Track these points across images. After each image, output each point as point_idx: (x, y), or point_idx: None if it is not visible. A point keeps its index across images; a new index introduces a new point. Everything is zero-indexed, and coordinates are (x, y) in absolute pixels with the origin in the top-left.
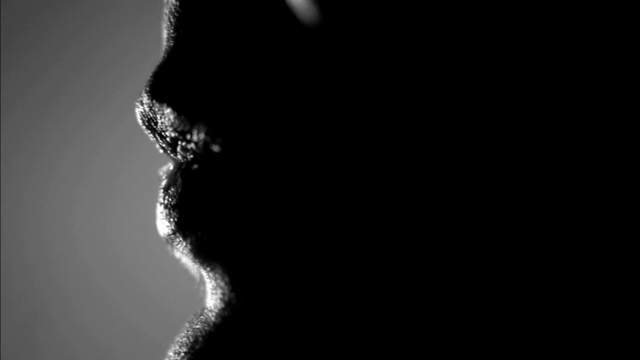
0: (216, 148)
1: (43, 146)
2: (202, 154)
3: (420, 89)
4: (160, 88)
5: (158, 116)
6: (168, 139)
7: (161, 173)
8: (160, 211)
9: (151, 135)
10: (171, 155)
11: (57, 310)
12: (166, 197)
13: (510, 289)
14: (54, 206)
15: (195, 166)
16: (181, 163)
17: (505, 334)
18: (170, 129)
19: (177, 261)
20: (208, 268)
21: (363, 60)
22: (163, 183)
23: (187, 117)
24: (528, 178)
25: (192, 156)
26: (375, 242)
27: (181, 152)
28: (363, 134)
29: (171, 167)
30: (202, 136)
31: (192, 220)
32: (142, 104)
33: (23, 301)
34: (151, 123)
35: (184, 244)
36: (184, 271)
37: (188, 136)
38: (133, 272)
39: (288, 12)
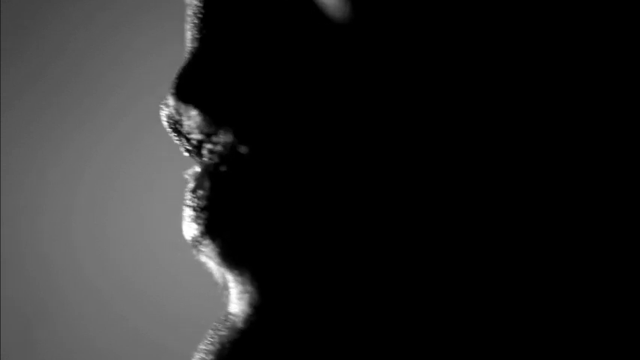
0: (243, 150)
1: (42, 147)
2: (229, 156)
3: (434, 92)
4: (186, 90)
5: (184, 119)
6: (194, 141)
7: (187, 176)
8: (188, 213)
9: (177, 138)
10: (197, 158)
11: (56, 310)
12: (194, 199)
13: (510, 289)
14: (54, 206)
15: (224, 168)
16: (208, 166)
17: (505, 333)
18: (196, 131)
19: (177, 260)
20: (236, 272)
21: (392, 60)
22: (190, 185)
23: (214, 119)
24: (528, 177)
25: (218, 158)
26: (406, 244)
27: (207, 155)
28: (394, 138)
29: (198, 170)
30: (230, 137)
31: (222, 223)
32: (168, 106)
33: (23, 301)
34: (176, 126)
35: (212, 247)
36: (184, 271)
37: (214, 138)
38: (132, 272)
39: (315, 10)
